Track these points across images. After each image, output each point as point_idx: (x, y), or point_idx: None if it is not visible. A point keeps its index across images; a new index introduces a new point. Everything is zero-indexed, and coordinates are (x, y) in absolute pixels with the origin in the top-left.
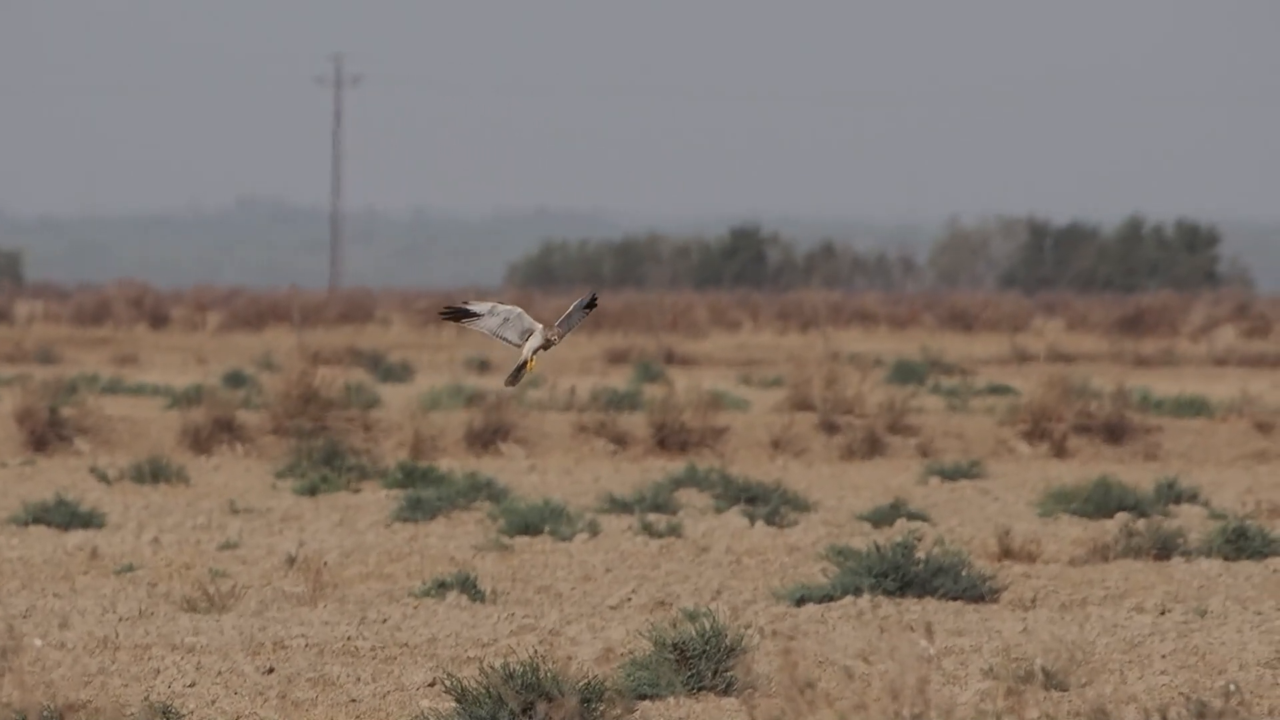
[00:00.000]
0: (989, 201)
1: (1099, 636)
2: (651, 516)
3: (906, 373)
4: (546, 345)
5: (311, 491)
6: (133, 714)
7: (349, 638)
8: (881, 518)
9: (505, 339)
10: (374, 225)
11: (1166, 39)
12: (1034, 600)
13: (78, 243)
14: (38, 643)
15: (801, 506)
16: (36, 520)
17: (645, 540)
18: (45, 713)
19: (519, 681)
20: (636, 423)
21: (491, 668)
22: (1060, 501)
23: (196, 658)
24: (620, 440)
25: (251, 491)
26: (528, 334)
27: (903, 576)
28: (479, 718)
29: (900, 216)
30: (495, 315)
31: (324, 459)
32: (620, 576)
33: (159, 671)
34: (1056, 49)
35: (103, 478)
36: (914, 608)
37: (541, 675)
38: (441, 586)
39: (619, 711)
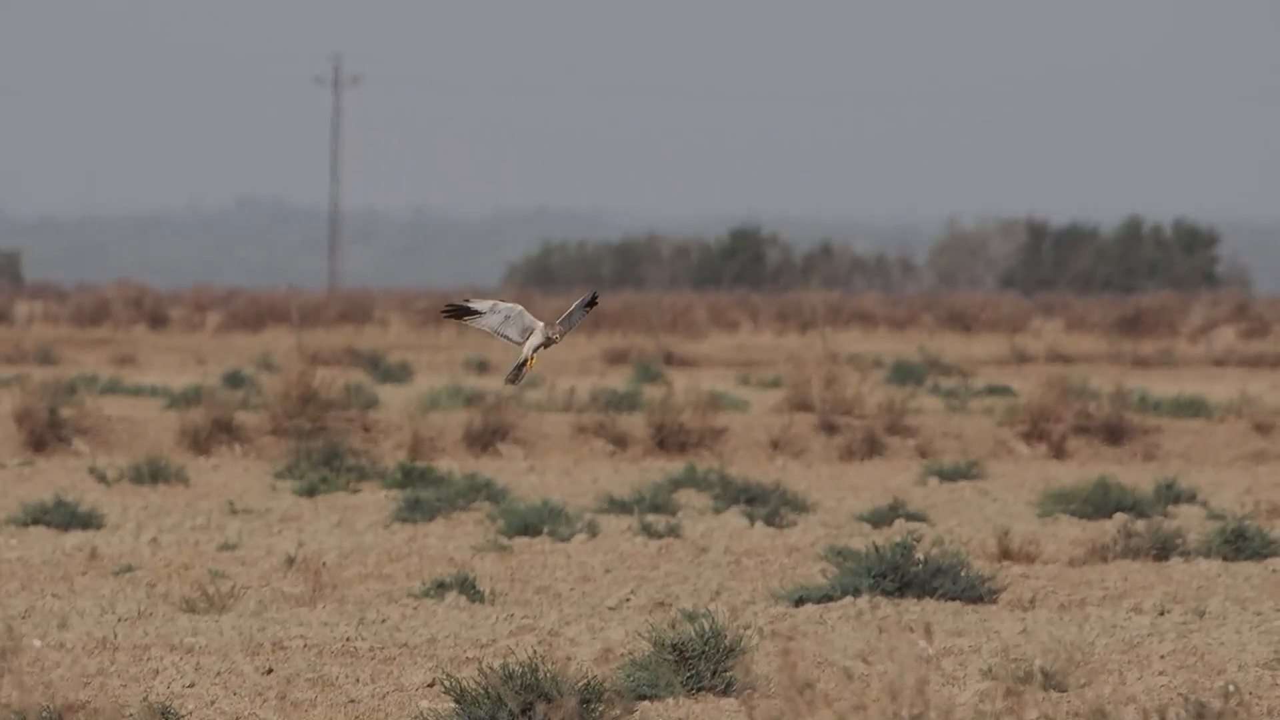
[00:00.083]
0: (988, 202)
1: (1098, 637)
2: (650, 517)
3: (905, 373)
4: (547, 343)
5: (310, 492)
6: (132, 714)
7: (348, 638)
8: (880, 518)
9: (506, 337)
10: (373, 225)
11: (1166, 39)
12: (1033, 601)
13: (77, 243)
14: (37, 643)
15: (800, 507)
16: (35, 521)
17: (644, 541)
18: (44, 713)
19: (518, 682)
20: (635, 423)
21: (490, 668)
22: (1059, 502)
23: (195, 658)
24: (619, 441)
25: (250, 492)
26: (528, 332)
27: (902, 577)
28: (478, 718)
29: (899, 217)
30: (497, 313)
31: (323, 460)
32: (619, 577)
33: (158, 672)
34: (1056, 49)
35: (102, 478)
36: (913, 608)
37: (540, 676)
38: (440, 587)
39: (618, 712)
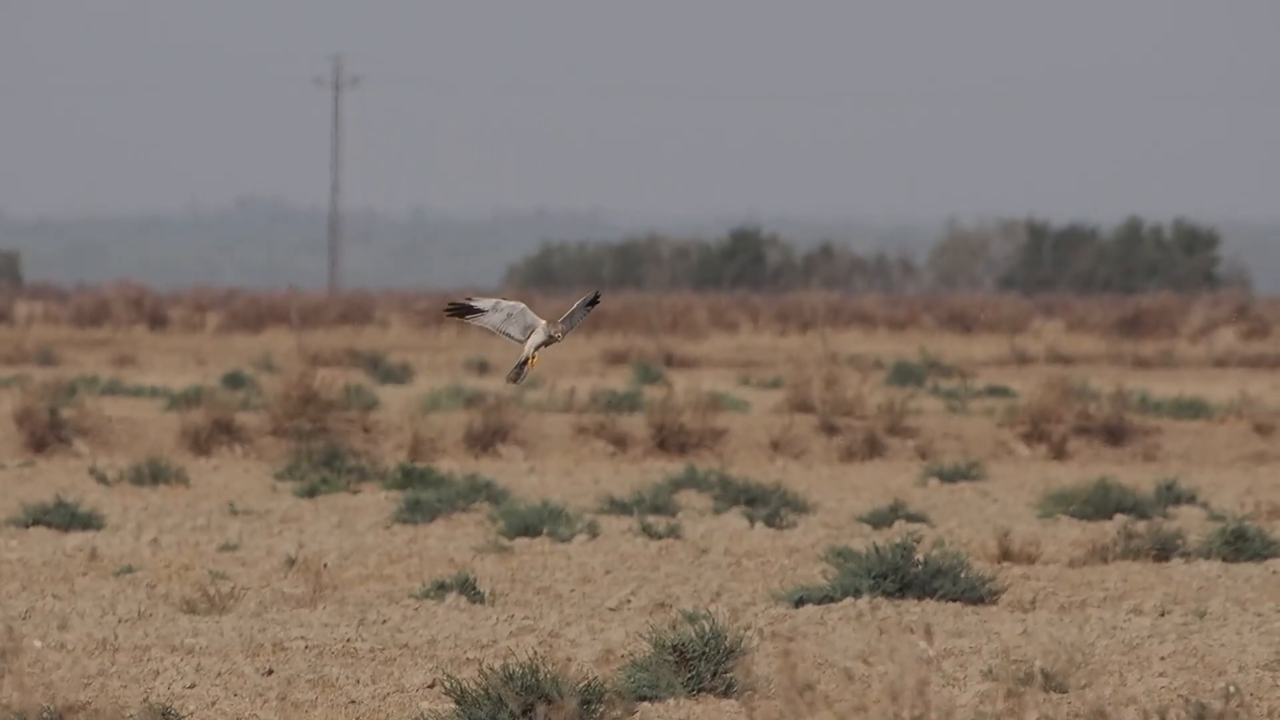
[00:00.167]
0: (988, 203)
1: (1098, 638)
2: (651, 518)
3: (906, 374)
4: (549, 341)
5: (311, 493)
6: (132, 715)
7: (348, 639)
8: (881, 519)
9: (508, 334)
10: (373, 226)
11: (1166, 39)
12: (1033, 602)
13: (76, 243)
14: (37, 644)
15: (801, 508)
16: (36, 522)
17: (645, 542)
18: (44, 714)
19: (518, 683)
20: (636, 424)
21: (491, 669)
22: (1059, 503)
23: (196, 659)
24: (619, 442)
25: (251, 493)
26: (530, 330)
27: (902, 578)
28: (478, 719)
29: (899, 218)
30: (499, 311)
31: (323, 460)
32: (620, 578)
33: (158, 673)
34: (1056, 49)
35: (102, 479)
36: (913, 609)
37: (541, 677)
38: (441, 588)
39: (619, 713)
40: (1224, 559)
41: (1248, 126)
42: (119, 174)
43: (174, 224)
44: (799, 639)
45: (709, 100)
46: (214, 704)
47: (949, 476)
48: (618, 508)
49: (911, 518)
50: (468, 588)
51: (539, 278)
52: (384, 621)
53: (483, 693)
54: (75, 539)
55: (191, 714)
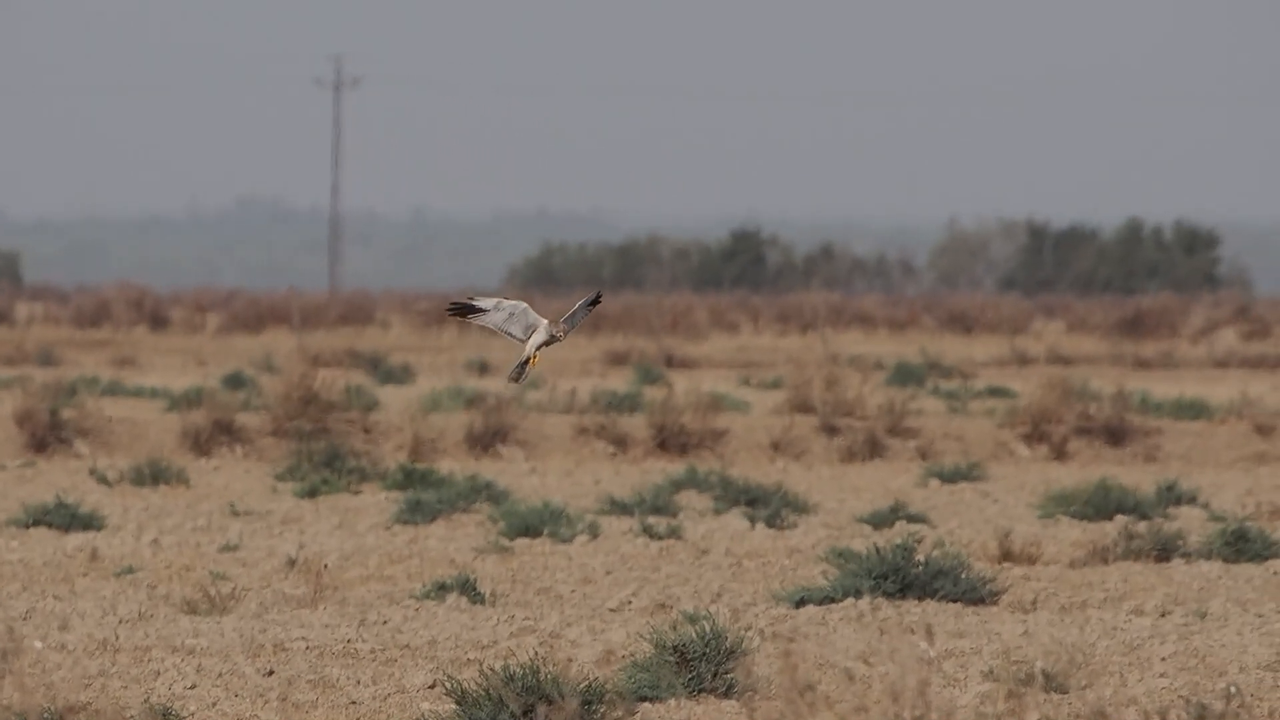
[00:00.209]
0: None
1: (1099, 639)
2: (651, 519)
3: (906, 375)
4: (550, 340)
5: (312, 494)
6: (133, 716)
7: (349, 640)
8: (881, 520)
9: (510, 334)
10: (373, 227)
11: (1166, 39)
12: (1034, 603)
13: (76, 243)
14: (38, 645)
15: (801, 509)
16: (36, 522)
17: (645, 542)
18: (45, 715)
19: (519, 684)
20: (636, 425)
21: (492, 670)
22: (1060, 504)
23: (197, 660)
24: (620, 442)
25: (251, 494)
26: (532, 329)
27: (903, 579)
28: None
29: (899, 218)
30: (501, 310)
31: (324, 461)
32: (620, 579)
33: (159, 674)
34: (1056, 49)
35: (103, 480)
36: (914, 610)
37: (542, 677)
38: (442, 589)
39: (620, 714)
40: (1225, 560)
41: (1248, 127)
42: (119, 174)
43: (174, 224)
44: (800, 640)
45: (709, 100)
46: (215, 705)
47: (949, 477)
48: (618, 508)
49: (912, 518)
50: (468, 588)
51: (539, 278)
52: (385, 622)
53: (483, 693)
54: (76, 540)
55: (192, 715)
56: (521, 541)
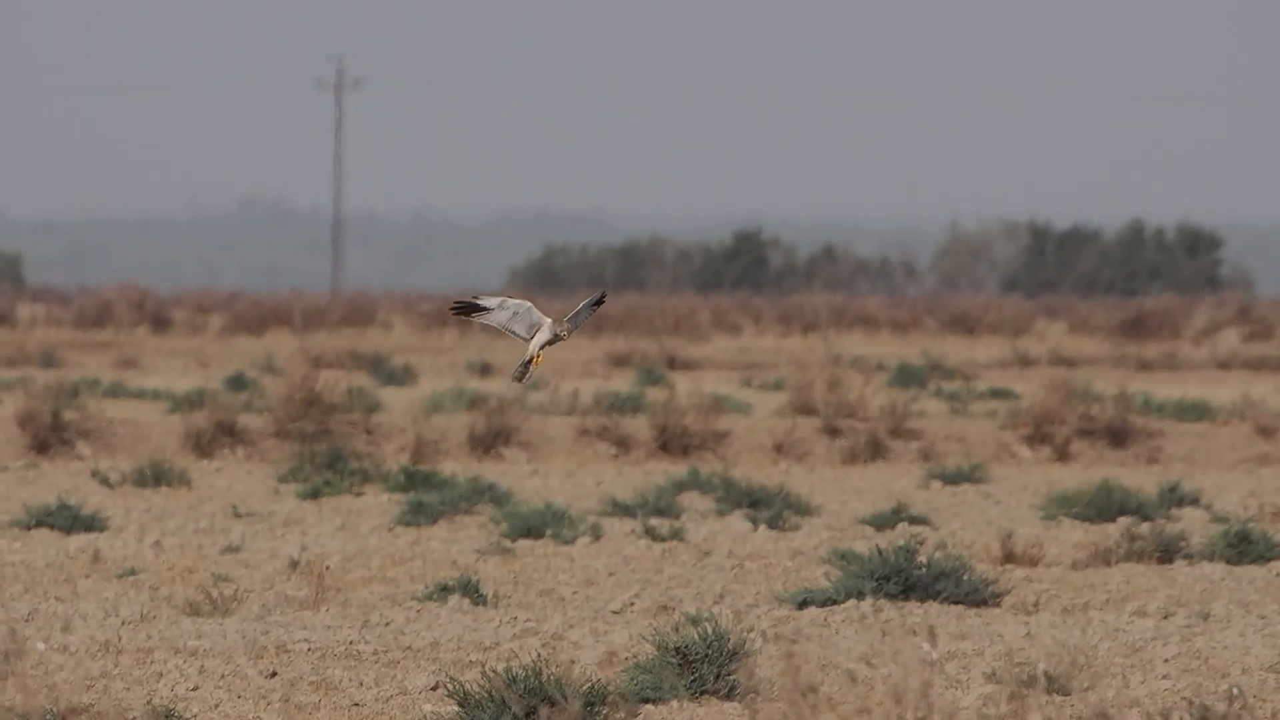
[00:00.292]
0: (990, 204)
1: (1101, 640)
2: (654, 520)
3: (908, 376)
4: (554, 340)
5: (314, 495)
6: (135, 718)
7: (351, 641)
8: (883, 521)
9: (514, 333)
10: (375, 228)
11: (1166, 39)
12: (1036, 604)
13: (77, 244)
14: (40, 646)
15: (804, 510)
16: (39, 524)
17: (648, 544)
18: (48, 716)
19: (521, 685)
20: (639, 426)
21: (494, 672)
22: (1062, 505)
23: (199, 661)
24: (622, 444)
25: (254, 495)
26: (535, 328)
27: (905, 580)
28: None
29: (901, 220)
30: (505, 309)
31: (326, 463)
32: (623, 580)
33: (161, 675)
34: (1056, 49)
35: (105, 481)
36: (916, 611)
37: (544, 679)
38: (444, 590)
39: (622, 715)
40: (1227, 561)
41: (1250, 127)
42: (120, 175)
43: (175, 225)
44: (802, 641)
45: (710, 100)
46: (217, 706)
47: (952, 478)
48: (621, 510)
49: (914, 520)
50: (471, 590)
51: (541, 280)
52: (387, 624)
53: (486, 695)
54: (78, 541)
55: (195, 716)
56: (524, 543)
